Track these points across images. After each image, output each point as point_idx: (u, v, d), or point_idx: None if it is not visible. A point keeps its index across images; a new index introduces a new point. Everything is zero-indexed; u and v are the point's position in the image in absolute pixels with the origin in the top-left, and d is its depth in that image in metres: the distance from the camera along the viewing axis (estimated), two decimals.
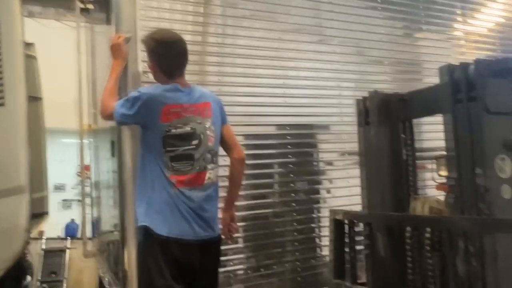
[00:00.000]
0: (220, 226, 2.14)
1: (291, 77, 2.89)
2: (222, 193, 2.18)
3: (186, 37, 2.15)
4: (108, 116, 2.11)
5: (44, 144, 3.72)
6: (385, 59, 3.27)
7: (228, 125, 2.20)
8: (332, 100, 3.01)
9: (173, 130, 1.96)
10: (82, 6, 3.70)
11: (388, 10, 3.32)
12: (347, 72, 3.09)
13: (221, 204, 2.17)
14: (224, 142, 2.17)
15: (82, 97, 3.50)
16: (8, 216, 2.10)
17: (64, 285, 4.92)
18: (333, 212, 2.32)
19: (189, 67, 2.14)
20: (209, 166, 2.03)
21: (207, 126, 2.04)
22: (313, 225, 2.84)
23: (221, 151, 2.17)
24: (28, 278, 2.81)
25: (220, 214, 2.15)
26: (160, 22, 2.45)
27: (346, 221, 2.24)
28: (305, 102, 2.90)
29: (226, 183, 2.20)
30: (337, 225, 2.27)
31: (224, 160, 2.21)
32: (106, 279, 2.92)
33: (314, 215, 2.85)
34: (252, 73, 2.77)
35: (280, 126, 2.83)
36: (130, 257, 2.20)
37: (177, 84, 2.03)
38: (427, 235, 1.95)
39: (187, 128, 1.98)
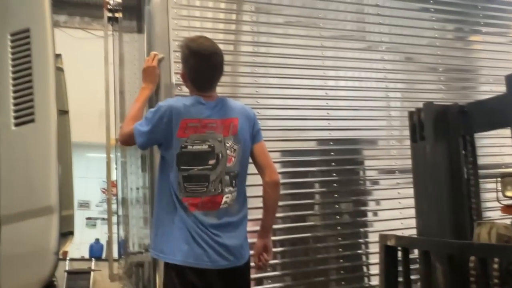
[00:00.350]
0: (251, 252, 2.08)
1: (333, 87, 2.87)
2: (253, 215, 2.13)
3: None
4: (126, 137, 2.06)
5: (71, 160, 3.86)
6: (439, 66, 3.20)
7: (262, 143, 2.10)
8: (380, 112, 2.97)
9: (189, 147, 1.92)
10: (110, 15, 3.85)
11: (442, 11, 3.25)
12: (395, 81, 3.04)
13: (255, 228, 2.13)
14: (256, 162, 2.10)
15: (109, 110, 3.61)
16: (37, 238, 2.16)
17: None
18: (383, 237, 2.27)
19: (221, 79, 2.12)
20: (227, 190, 1.96)
21: (228, 144, 1.97)
22: (360, 251, 2.77)
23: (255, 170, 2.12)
24: None
25: (253, 240, 2.10)
26: (190, 32, 2.48)
27: (399, 248, 2.18)
28: (350, 114, 2.87)
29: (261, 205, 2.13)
30: (389, 252, 2.22)
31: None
32: None
33: (361, 240, 2.78)
34: (290, 84, 2.77)
35: (322, 141, 2.80)
36: (162, 281, 2.21)
37: (200, 97, 2.00)
38: (495, 265, 1.88)
39: (205, 146, 1.93)
